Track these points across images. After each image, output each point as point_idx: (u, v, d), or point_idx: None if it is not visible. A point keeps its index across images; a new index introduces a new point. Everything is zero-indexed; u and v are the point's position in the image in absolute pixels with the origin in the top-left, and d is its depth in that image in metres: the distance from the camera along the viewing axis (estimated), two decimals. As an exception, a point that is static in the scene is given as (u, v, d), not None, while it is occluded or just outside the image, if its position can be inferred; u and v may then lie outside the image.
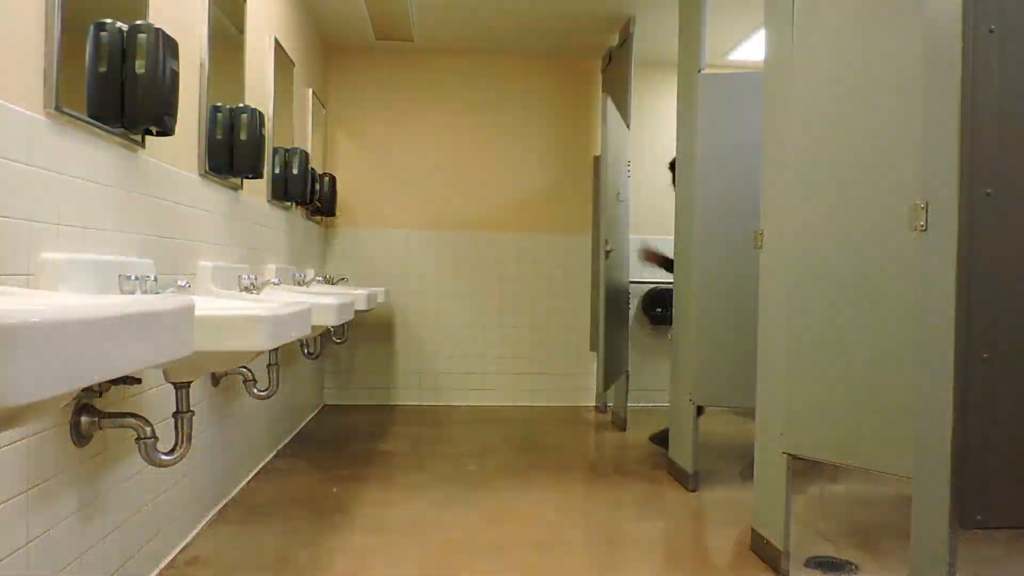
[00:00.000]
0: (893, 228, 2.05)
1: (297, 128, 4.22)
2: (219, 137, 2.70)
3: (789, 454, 2.38)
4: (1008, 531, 2.73)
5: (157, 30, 1.88)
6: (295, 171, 3.79)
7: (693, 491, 3.31)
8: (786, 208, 2.41)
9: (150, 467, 2.15)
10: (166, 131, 2.00)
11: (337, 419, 4.80)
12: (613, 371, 4.21)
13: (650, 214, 5.32)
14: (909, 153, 2.00)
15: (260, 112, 2.84)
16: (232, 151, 2.76)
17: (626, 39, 4.68)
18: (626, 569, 2.54)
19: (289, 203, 3.95)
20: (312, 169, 4.17)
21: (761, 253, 2.55)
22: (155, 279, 1.99)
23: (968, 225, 1.83)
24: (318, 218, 4.89)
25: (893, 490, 3.30)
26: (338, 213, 5.13)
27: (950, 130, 1.84)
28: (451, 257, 5.37)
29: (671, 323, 3.66)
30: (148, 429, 1.85)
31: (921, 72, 1.95)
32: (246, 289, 2.83)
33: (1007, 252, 1.85)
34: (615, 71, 4.99)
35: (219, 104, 2.72)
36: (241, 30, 3.11)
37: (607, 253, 4.22)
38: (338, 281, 4.94)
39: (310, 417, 4.75)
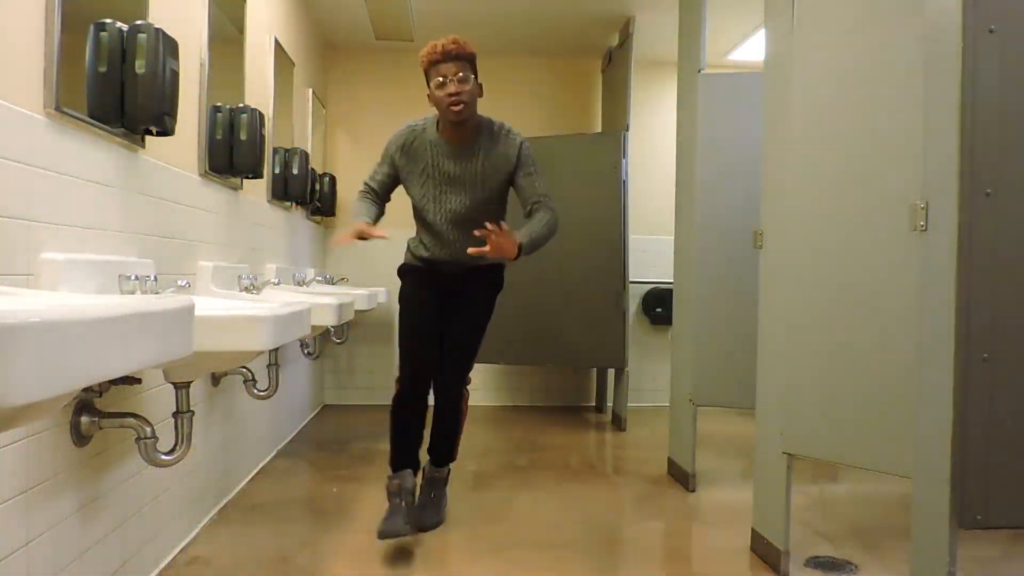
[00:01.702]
0: (893, 228, 2.05)
1: (297, 128, 4.22)
2: (219, 137, 2.70)
3: (789, 454, 2.38)
4: (1008, 531, 2.73)
5: (157, 30, 1.88)
6: (295, 171, 3.79)
7: (693, 491, 3.31)
8: (786, 208, 2.41)
9: (150, 467, 2.14)
10: (166, 131, 2.00)
11: (337, 419, 4.80)
12: None
13: (650, 214, 5.32)
14: (909, 153, 2.00)
15: (260, 112, 2.84)
16: (232, 151, 2.76)
17: (626, 39, 4.68)
18: (626, 569, 2.54)
19: (289, 203, 3.95)
20: (312, 169, 4.17)
21: (761, 253, 2.55)
22: (155, 279, 1.99)
23: (968, 225, 1.83)
24: (318, 218, 4.89)
25: (893, 490, 3.30)
26: (338, 213, 5.13)
27: (950, 130, 1.84)
28: (451, 257, 5.37)
29: (671, 323, 3.66)
30: (148, 429, 1.85)
31: (921, 72, 1.96)
32: (246, 289, 2.83)
33: (1007, 252, 1.85)
34: (615, 71, 4.99)
35: (219, 104, 2.72)
36: (241, 30, 3.11)
37: None
38: (338, 281, 4.94)
39: (310, 417, 4.75)
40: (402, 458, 2.70)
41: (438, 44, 2.52)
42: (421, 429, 2.72)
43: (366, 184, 2.78)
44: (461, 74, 2.51)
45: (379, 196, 2.76)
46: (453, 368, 2.73)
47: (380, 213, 2.74)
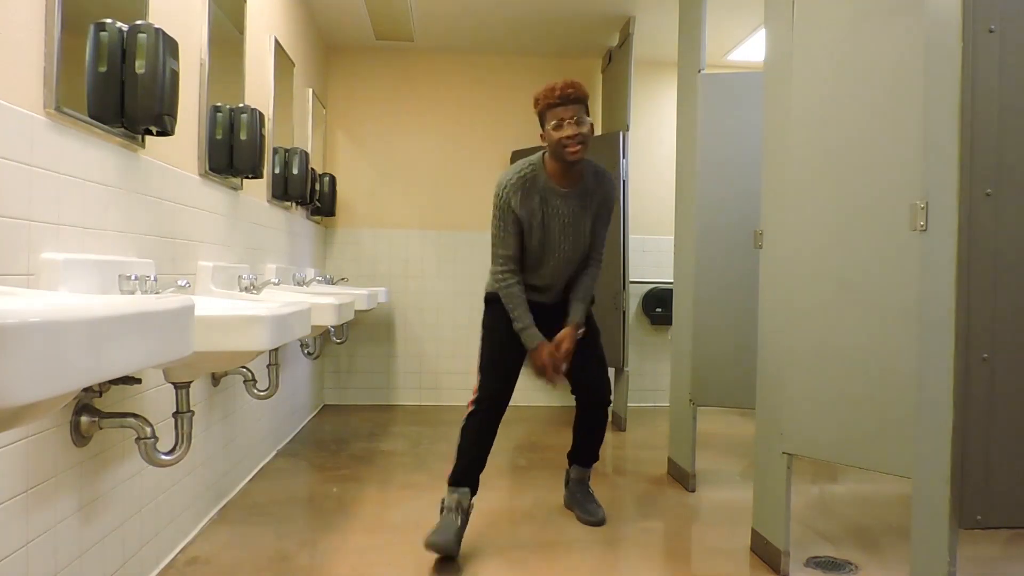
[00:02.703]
0: (893, 228, 2.05)
1: (297, 128, 4.22)
2: (219, 137, 2.70)
3: (789, 454, 2.38)
4: (1008, 531, 2.73)
5: (157, 30, 1.89)
6: (295, 171, 3.79)
7: (693, 491, 3.31)
8: (786, 208, 2.41)
9: (150, 467, 2.14)
10: (166, 131, 2.00)
11: (337, 419, 4.80)
12: None
13: (650, 214, 5.32)
14: (909, 153, 2.00)
15: (260, 112, 2.84)
16: (232, 151, 2.76)
17: (626, 39, 4.68)
18: (626, 569, 2.53)
19: (289, 203, 3.95)
20: (312, 169, 4.17)
21: (761, 253, 2.55)
22: (155, 279, 1.99)
23: (968, 225, 1.83)
24: (318, 218, 4.89)
25: (893, 490, 3.30)
26: (338, 213, 5.13)
27: (950, 130, 1.84)
28: (451, 257, 5.38)
29: (671, 323, 3.66)
30: (148, 429, 1.85)
31: (921, 72, 1.96)
32: (246, 289, 2.83)
33: (1007, 252, 1.85)
34: (615, 71, 4.99)
35: (219, 104, 2.72)
36: (241, 30, 3.11)
37: None
38: (338, 281, 4.94)
39: (310, 417, 4.75)
40: (470, 474, 2.65)
41: (556, 87, 2.58)
42: (489, 450, 2.69)
43: (504, 258, 2.67)
44: (578, 117, 2.57)
45: (521, 267, 2.70)
46: (599, 387, 2.87)
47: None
